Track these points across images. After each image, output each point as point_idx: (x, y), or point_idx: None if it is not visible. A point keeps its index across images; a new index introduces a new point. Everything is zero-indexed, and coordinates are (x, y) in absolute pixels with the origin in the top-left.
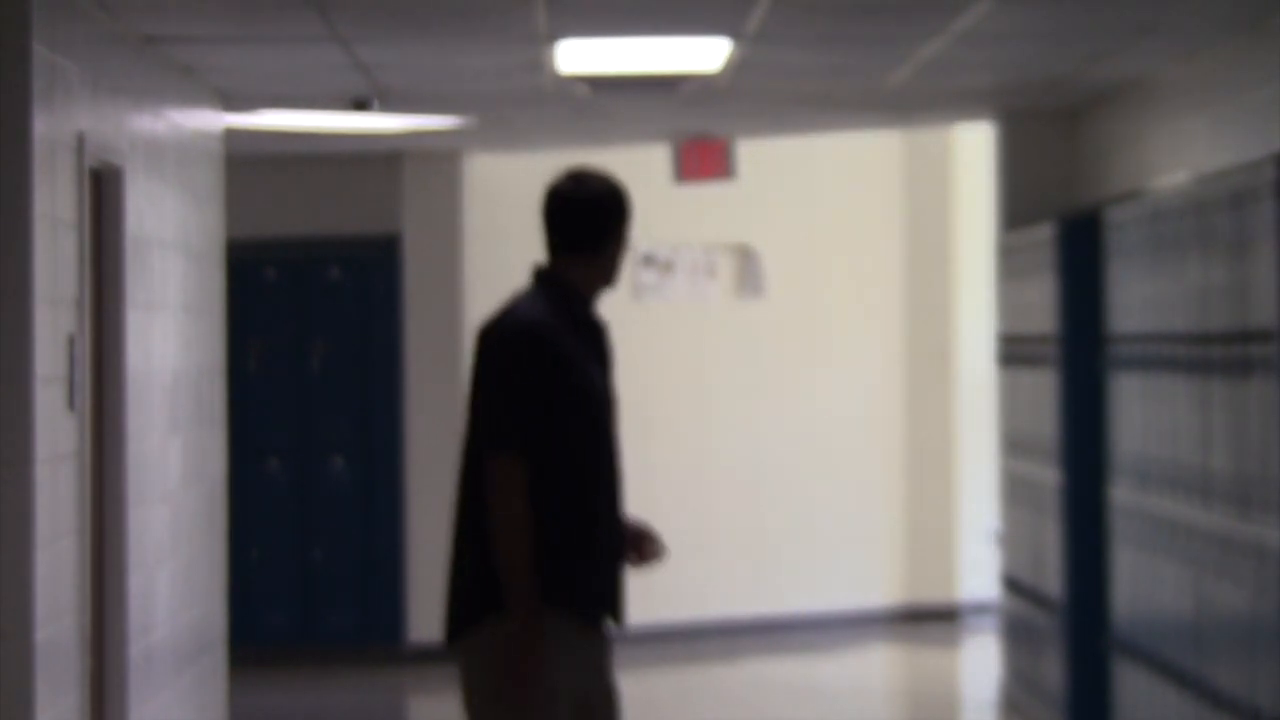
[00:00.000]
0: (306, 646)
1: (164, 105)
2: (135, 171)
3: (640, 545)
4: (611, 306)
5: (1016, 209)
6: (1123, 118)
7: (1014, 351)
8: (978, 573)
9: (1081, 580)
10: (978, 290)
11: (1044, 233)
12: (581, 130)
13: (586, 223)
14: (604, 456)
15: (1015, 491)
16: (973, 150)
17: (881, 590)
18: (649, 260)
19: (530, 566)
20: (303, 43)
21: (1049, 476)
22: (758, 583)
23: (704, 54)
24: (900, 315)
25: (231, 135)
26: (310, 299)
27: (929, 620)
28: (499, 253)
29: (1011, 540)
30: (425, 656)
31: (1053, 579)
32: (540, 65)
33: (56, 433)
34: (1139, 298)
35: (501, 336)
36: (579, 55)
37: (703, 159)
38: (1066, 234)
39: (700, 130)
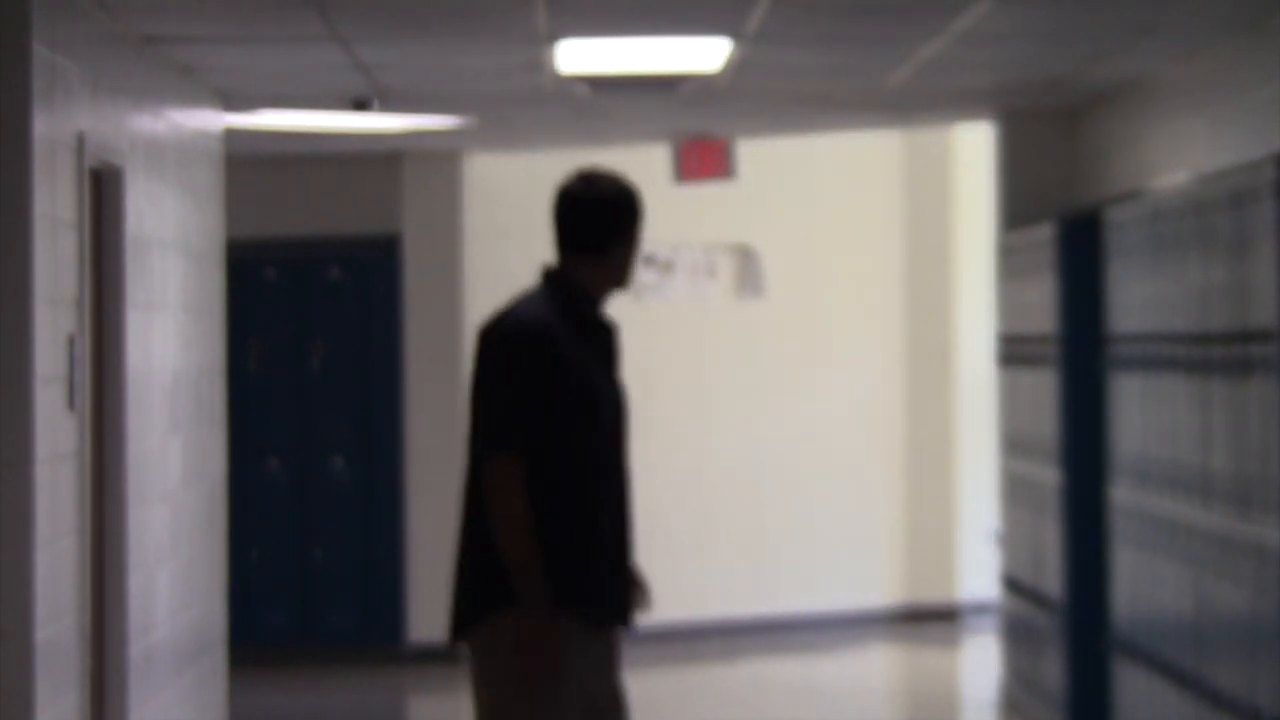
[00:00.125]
0: (306, 646)
1: (164, 105)
2: (135, 171)
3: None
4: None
5: (1016, 209)
6: (1123, 118)
7: (1014, 351)
8: (978, 573)
9: (1081, 580)
10: (978, 290)
11: (1044, 233)
12: (581, 130)
13: (595, 223)
14: (606, 457)
15: (1015, 491)
16: (973, 150)
17: (881, 590)
18: (649, 260)
19: (539, 563)
20: (303, 43)
21: (1049, 476)
22: (758, 583)
23: (704, 54)
24: (900, 315)
25: (231, 135)
26: (310, 299)
27: (929, 620)
28: (499, 253)
29: (1011, 540)
30: (425, 656)
31: (1053, 579)
32: (540, 65)
33: (56, 433)
34: (1139, 298)
35: (502, 336)
36: (579, 55)
37: (703, 159)
38: (1066, 234)
39: (700, 130)
